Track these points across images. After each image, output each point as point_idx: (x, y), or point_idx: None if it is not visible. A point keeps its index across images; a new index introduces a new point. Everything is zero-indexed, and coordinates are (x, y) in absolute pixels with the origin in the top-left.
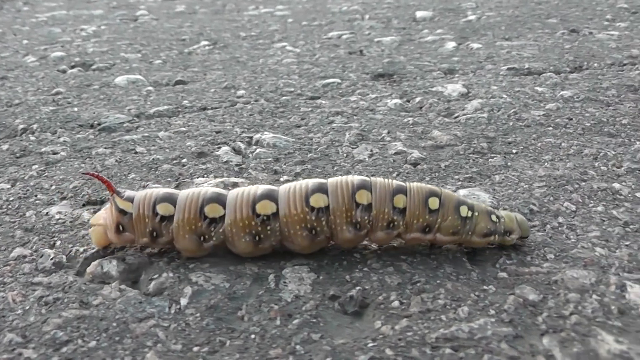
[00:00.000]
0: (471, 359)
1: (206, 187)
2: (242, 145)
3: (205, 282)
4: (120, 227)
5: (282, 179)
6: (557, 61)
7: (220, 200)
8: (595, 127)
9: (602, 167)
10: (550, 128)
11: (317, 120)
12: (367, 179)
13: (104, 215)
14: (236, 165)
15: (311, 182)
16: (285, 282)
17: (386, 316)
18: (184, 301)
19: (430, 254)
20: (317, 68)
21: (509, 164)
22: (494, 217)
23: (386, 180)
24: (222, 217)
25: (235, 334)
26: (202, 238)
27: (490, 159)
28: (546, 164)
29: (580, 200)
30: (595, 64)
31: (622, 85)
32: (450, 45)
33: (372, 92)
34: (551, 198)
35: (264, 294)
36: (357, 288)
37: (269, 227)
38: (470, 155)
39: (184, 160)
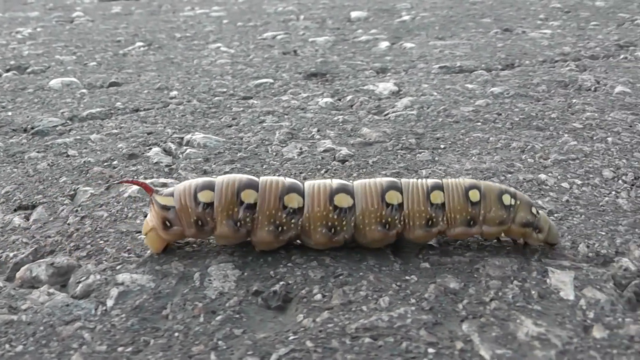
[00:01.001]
0: (389, 346)
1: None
2: (173, 146)
3: (131, 283)
4: (167, 223)
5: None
6: (489, 59)
7: (254, 186)
8: (523, 122)
9: (529, 160)
10: (479, 123)
11: (248, 120)
12: (398, 180)
13: (150, 219)
14: (166, 166)
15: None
16: (210, 280)
17: (308, 309)
18: (110, 302)
19: (355, 247)
20: (250, 68)
21: (436, 158)
22: (534, 210)
23: (419, 180)
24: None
25: (160, 332)
26: (238, 224)
27: (418, 155)
28: (473, 157)
29: None
30: (527, 62)
31: (552, 81)
32: (384, 45)
33: (304, 92)
34: None
35: (188, 292)
36: (281, 283)
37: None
38: (399, 151)
39: (115, 162)
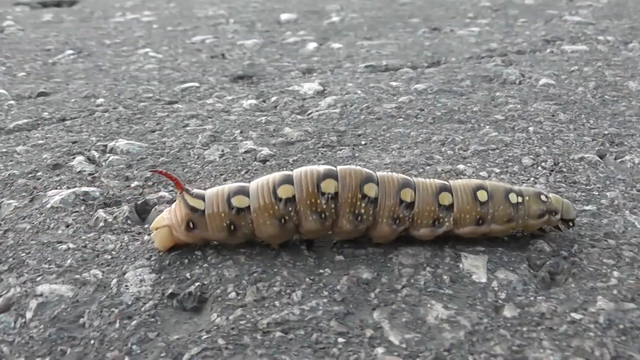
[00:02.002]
0: (300, 339)
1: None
2: (97, 154)
3: (50, 294)
4: (191, 225)
5: (132, 185)
6: (416, 57)
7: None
8: (445, 116)
9: (448, 152)
10: (401, 119)
11: (172, 125)
12: (410, 178)
13: (168, 216)
14: (89, 174)
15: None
16: (127, 286)
17: (222, 308)
18: (29, 314)
19: (270, 244)
20: (177, 73)
21: (356, 154)
22: (543, 197)
23: (428, 179)
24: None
25: (76, 341)
26: (282, 221)
27: (338, 152)
28: (394, 152)
29: None
30: (453, 59)
31: (477, 76)
32: (312, 46)
33: (230, 94)
34: None
35: (106, 299)
36: (196, 284)
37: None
38: (320, 149)
39: (39, 173)
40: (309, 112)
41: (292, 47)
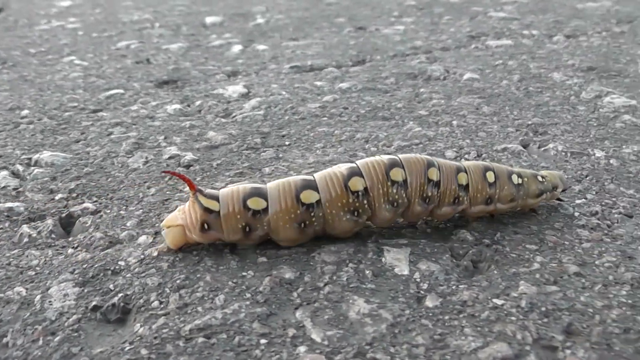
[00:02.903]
0: (222, 343)
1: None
2: (21, 168)
3: None
4: (206, 226)
5: (57, 197)
6: (341, 57)
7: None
8: (369, 113)
9: (372, 148)
10: (325, 118)
11: (96, 134)
12: (432, 158)
13: (182, 216)
14: (13, 189)
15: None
16: (50, 301)
17: (145, 318)
18: None
19: (193, 250)
20: (102, 80)
21: (280, 155)
22: (539, 178)
23: (448, 161)
24: (319, 202)
25: None
26: (302, 225)
27: (262, 153)
28: (317, 151)
29: None
30: (378, 57)
31: (401, 73)
32: (237, 48)
33: (154, 100)
34: None
35: (29, 316)
36: (120, 295)
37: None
38: (244, 151)
39: None
40: (233, 115)
41: (218, 50)
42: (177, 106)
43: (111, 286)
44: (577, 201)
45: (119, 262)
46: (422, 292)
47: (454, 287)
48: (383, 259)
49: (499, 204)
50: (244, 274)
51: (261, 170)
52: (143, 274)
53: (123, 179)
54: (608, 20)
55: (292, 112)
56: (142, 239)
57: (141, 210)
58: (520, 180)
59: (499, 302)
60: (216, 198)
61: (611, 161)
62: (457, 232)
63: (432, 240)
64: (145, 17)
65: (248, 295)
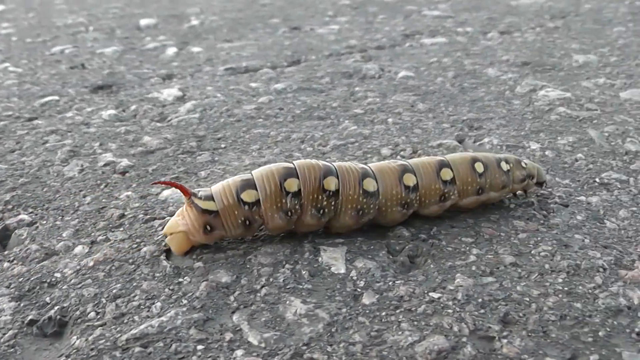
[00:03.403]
0: (159, 351)
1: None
2: None
3: None
4: (208, 227)
5: None
6: (276, 57)
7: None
8: (305, 114)
9: (308, 148)
10: (261, 120)
11: (31, 143)
12: (407, 162)
13: (182, 222)
14: None
15: (360, 166)
16: None
17: (82, 329)
18: None
19: (129, 258)
20: (37, 87)
21: (216, 158)
22: (523, 164)
23: (425, 159)
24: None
25: None
26: (288, 214)
27: (198, 157)
28: (253, 153)
29: None
30: (313, 57)
31: (336, 72)
32: (172, 50)
33: (89, 106)
34: None
35: None
36: (56, 308)
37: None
38: (179, 155)
39: None
40: (169, 118)
41: (152, 53)
42: (113, 111)
43: (47, 299)
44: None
45: (55, 274)
46: (358, 289)
47: (390, 283)
48: (320, 259)
49: (491, 193)
50: (180, 280)
51: (197, 174)
52: (79, 285)
53: (59, 188)
54: (542, 16)
55: (227, 115)
56: (79, 249)
57: (77, 220)
58: (508, 167)
59: (435, 295)
60: (211, 198)
61: (546, 153)
62: (393, 228)
63: (368, 237)
64: (80, 20)
65: (185, 301)
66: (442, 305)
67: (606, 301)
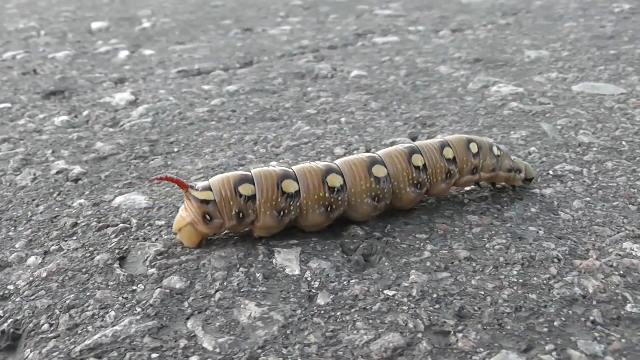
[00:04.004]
0: None
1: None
2: None
3: None
4: (208, 217)
5: None
6: (228, 59)
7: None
8: (258, 115)
9: (261, 150)
10: (214, 122)
11: None
12: (414, 144)
13: (185, 215)
14: None
15: (365, 155)
16: None
17: (36, 342)
18: None
19: (82, 268)
20: None
21: (169, 163)
22: (512, 157)
23: (428, 140)
24: (298, 192)
25: None
26: (281, 214)
27: (151, 162)
28: (207, 156)
29: None
30: (265, 58)
31: (289, 73)
32: (123, 54)
33: (42, 112)
34: None
35: None
36: (9, 321)
37: (339, 199)
38: (132, 161)
39: None
40: (121, 123)
41: (104, 57)
42: (65, 118)
43: (0, 312)
44: (467, 188)
45: (8, 287)
46: (313, 290)
47: (345, 282)
48: (274, 261)
49: (482, 173)
50: (134, 287)
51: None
52: (32, 297)
53: (11, 198)
54: (493, 14)
55: (180, 118)
56: (32, 260)
57: (30, 230)
58: (499, 152)
59: (390, 293)
60: (209, 188)
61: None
62: (348, 227)
63: (322, 238)
64: (31, 24)
65: (139, 309)
66: (397, 302)
67: (561, 291)
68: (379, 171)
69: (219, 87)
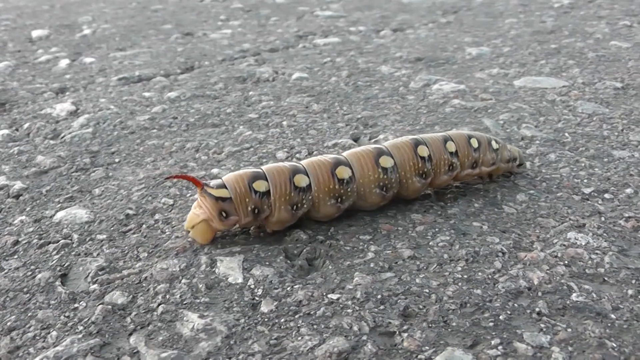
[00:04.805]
0: None
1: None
2: None
3: None
4: (224, 214)
5: None
6: (169, 65)
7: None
8: (199, 121)
9: (203, 157)
10: (155, 130)
11: None
12: (418, 137)
13: (199, 212)
14: None
15: (372, 147)
16: None
17: None
18: None
19: (24, 287)
20: None
21: (110, 174)
22: (509, 147)
23: (432, 134)
24: (309, 186)
25: None
26: (294, 207)
27: (92, 174)
28: (148, 165)
29: (179, 193)
30: (206, 62)
31: (230, 77)
32: (64, 62)
33: None
34: (149, 198)
35: None
36: None
37: (349, 190)
38: (73, 173)
39: None
40: (62, 135)
41: (45, 66)
42: (6, 131)
43: None
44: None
45: None
46: (256, 298)
47: (288, 288)
48: (216, 270)
49: (483, 167)
50: (76, 305)
51: (91, 192)
52: None
53: None
54: (434, 12)
55: (121, 127)
56: None
57: None
58: (497, 146)
59: (334, 296)
60: (223, 186)
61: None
62: (291, 232)
63: (265, 244)
64: None
65: (80, 327)
66: (341, 305)
67: (506, 284)
68: (386, 162)
69: (160, 94)
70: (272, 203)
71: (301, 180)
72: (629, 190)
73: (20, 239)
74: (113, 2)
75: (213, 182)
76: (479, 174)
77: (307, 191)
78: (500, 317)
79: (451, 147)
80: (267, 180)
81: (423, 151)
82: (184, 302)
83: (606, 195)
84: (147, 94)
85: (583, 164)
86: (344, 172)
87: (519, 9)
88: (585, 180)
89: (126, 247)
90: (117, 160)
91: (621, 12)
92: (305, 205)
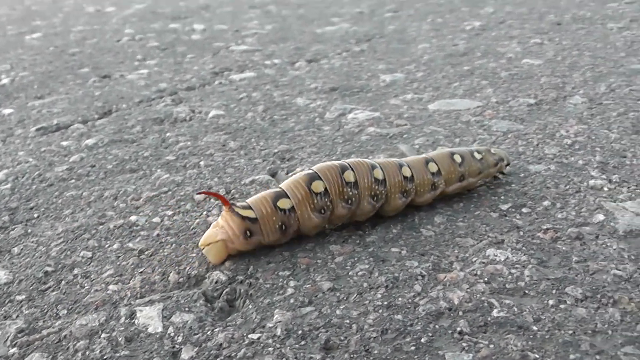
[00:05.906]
0: None
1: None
2: None
3: None
4: (248, 233)
5: None
6: (86, 110)
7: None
8: (117, 168)
9: (121, 205)
10: (73, 181)
11: None
12: (402, 160)
13: (221, 231)
14: None
15: (369, 162)
16: None
17: None
18: None
19: None
20: None
21: (29, 230)
22: (492, 150)
23: (415, 156)
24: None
25: None
26: (322, 211)
27: (11, 232)
28: (67, 218)
29: (97, 245)
30: (124, 105)
31: (148, 119)
32: None
33: None
34: (68, 252)
35: None
36: None
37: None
38: None
39: None
40: None
41: None
42: None
43: None
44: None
45: None
46: (177, 346)
47: (209, 332)
48: (136, 321)
49: (470, 179)
50: None
51: (10, 252)
52: None
53: None
54: (347, 41)
55: (39, 180)
56: None
57: None
58: (480, 156)
59: (255, 336)
60: (249, 207)
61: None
62: (210, 274)
63: (184, 289)
64: None
65: None
66: (262, 344)
67: (427, 307)
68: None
69: (77, 142)
70: (299, 215)
71: (319, 186)
72: (546, 203)
73: None
74: (31, 48)
75: (239, 203)
76: (468, 185)
77: (325, 195)
78: (422, 340)
79: (433, 167)
80: (288, 197)
81: (406, 172)
82: (104, 358)
83: (524, 210)
84: (65, 143)
85: (500, 181)
86: (350, 176)
87: (431, 34)
88: (502, 197)
89: (45, 306)
90: (36, 215)
91: (532, 31)
92: (327, 210)
